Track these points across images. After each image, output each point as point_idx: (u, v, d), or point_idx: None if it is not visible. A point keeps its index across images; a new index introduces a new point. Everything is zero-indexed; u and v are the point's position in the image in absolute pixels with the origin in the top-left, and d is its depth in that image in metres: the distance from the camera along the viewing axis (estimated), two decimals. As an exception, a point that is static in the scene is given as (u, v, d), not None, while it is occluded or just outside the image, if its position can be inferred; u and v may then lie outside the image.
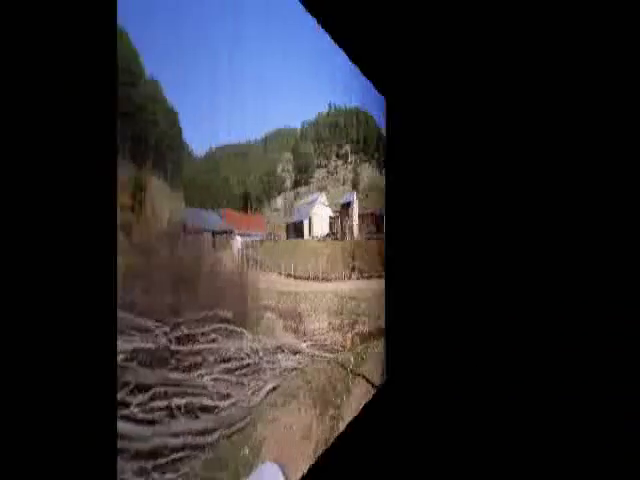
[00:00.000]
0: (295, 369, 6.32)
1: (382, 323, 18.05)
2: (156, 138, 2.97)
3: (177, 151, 3.00)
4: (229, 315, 4.51)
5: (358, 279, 15.79)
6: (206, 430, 3.75)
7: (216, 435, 3.95)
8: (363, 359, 12.18)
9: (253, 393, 4.99)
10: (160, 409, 3.01)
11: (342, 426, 8.78)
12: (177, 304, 3.67)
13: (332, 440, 7.93)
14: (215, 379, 4.01)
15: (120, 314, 2.09)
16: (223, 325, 4.26)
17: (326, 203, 17.16)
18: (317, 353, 7.72)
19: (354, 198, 19.77)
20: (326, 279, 14.36)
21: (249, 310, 6.14)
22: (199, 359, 3.72)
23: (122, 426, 2.40)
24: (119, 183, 1.68)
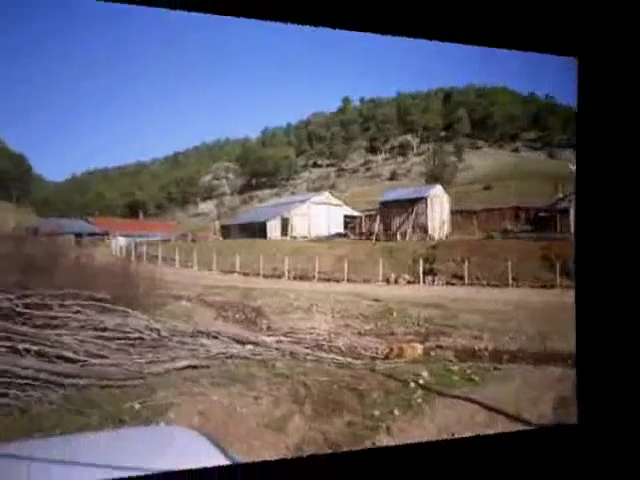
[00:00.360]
0: (246, 358, 6.88)
1: (553, 345, 15.68)
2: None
3: (25, 181, 4.57)
4: (103, 296, 5.80)
5: (453, 285, 15.03)
6: (67, 374, 4.97)
7: (82, 381, 5.12)
8: (471, 380, 10.47)
9: (150, 363, 5.95)
10: (4, 347, 4.50)
11: (386, 440, 8.23)
12: (25, 282, 5.26)
13: (361, 448, 7.96)
14: (82, 340, 5.26)
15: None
16: (95, 302, 5.57)
17: (334, 202, 18.22)
18: (306, 352, 7.89)
19: (434, 192, 19.89)
20: (332, 280, 14.47)
21: (141, 295, 7.32)
22: (56, 322, 5.09)
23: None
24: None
